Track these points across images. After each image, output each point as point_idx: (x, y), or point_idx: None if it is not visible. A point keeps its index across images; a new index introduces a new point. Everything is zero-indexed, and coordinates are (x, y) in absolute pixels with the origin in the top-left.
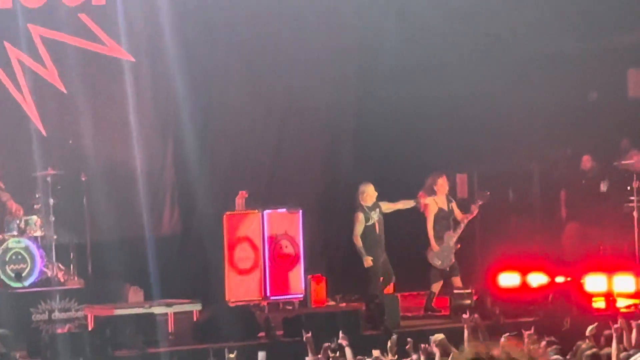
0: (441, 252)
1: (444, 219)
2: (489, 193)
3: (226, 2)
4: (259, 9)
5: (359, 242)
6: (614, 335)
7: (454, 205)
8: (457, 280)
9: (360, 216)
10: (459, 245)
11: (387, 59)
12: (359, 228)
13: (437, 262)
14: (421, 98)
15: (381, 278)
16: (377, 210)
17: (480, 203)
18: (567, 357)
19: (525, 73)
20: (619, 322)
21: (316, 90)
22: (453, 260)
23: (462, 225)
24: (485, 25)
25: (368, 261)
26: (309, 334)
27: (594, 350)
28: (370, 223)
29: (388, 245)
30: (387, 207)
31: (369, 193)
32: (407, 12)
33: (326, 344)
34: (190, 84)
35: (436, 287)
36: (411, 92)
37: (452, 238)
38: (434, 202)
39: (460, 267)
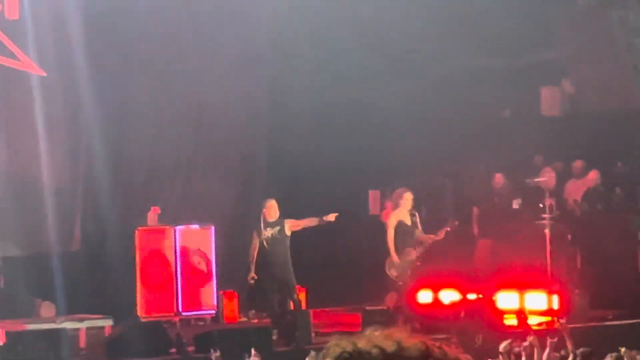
0: (400, 264)
1: (406, 233)
2: (457, 223)
3: (140, 16)
4: (170, 22)
5: (250, 257)
6: (523, 353)
7: (417, 220)
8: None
9: (255, 232)
10: (418, 263)
11: (302, 70)
12: (253, 242)
13: (393, 273)
14: (335, 112)
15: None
16: (278, 227)
17: (448, 229)
18: None
19: (440, 89)
20: (528, 340)
21: (230, 104)
22: (406, 274)
23: (426, 245)
24: (403, 41)
25: (249, 277)
26: (218, 353)
27: None
28: (261, 238)
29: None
30: (293, 224)
31: (269, 208)
32: (322, 20)
33: None
34: (103, 97)
35: (390, 299)
36: (325, 106)
37: (412, 254)
38: (396, 215)
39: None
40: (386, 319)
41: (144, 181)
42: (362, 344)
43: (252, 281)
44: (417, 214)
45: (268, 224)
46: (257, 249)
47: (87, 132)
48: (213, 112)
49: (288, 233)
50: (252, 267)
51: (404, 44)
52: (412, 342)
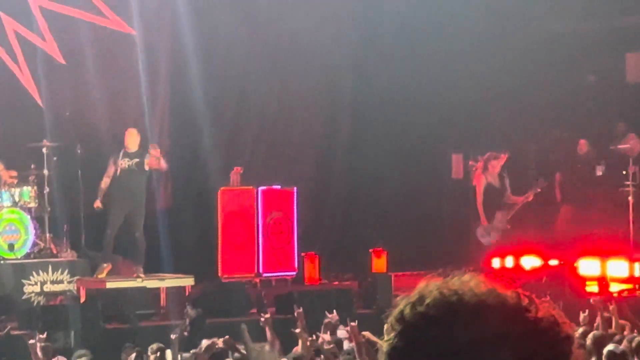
0: (489, 227)
1: (495, 196)
2: (545, 183)
3: None
4: None
5: (101, 184)
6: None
7: (506, 182)
8: None
9: (110, 160)
10: (509, 226)
11: (387, 30)
12: (107, 170)
13: (482, 238)
14: (420, 77)
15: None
16: (136, 159)
17: (538, 190)
18: None
19: (523, 55)
20: (610, 308)
21: (316, 66)
22: (497, 239)
23: (516, 207)
24: (488, 6)
25: (97, 203)
26: (300, 309)
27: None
28: (116, 167)
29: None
30: (154, 161)
31: (128, 137)
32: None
33: (326, 320)
34: (189, 58)
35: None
36: (413, 71)
37: (500, 217)
38: (485, 178)
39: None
40: None
41: (227, 141)
42: (454, 285)
43: (97, 209)
44: (506, 175)
45: (127, 155)
46: (110, 178)
47: (173, 90)
48: (297, 73)
49: (147, 167)
50: (100, 196)
51: (493, 8)
52: (506, 289)
